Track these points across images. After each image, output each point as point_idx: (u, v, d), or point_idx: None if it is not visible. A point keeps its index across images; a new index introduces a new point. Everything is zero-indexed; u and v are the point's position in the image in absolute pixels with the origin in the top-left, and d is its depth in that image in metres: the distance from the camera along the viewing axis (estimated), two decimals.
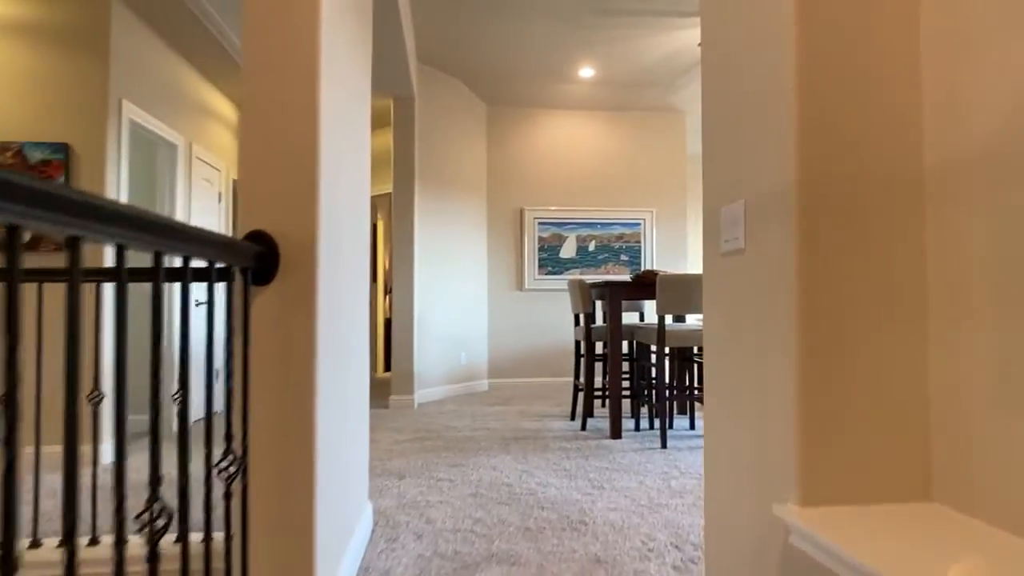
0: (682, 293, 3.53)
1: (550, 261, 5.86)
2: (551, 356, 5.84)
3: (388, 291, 6.81)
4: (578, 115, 5.97)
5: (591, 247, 5.93)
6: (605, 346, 4.06)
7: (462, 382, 5.49)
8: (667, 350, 4.08)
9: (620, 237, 5.99)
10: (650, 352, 4.19)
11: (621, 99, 5.76)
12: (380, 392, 5.57)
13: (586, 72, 5.19)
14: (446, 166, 5.33)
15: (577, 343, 4.33)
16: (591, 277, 5.90)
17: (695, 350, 4.02)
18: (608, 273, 5.94)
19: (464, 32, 4.55)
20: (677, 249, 6.03)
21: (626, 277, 5.93)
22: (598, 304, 5.68)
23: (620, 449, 3.44)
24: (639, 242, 6.01)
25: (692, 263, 6.63)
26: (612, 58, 4.94)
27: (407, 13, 4.03)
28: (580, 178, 5.94)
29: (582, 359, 4.31)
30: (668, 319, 4.69)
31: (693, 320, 5.77)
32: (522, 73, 5.23)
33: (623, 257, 5.99)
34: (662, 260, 6.01)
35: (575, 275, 5.89)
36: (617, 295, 3.78)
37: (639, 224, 6.02)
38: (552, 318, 5.85)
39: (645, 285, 3.79)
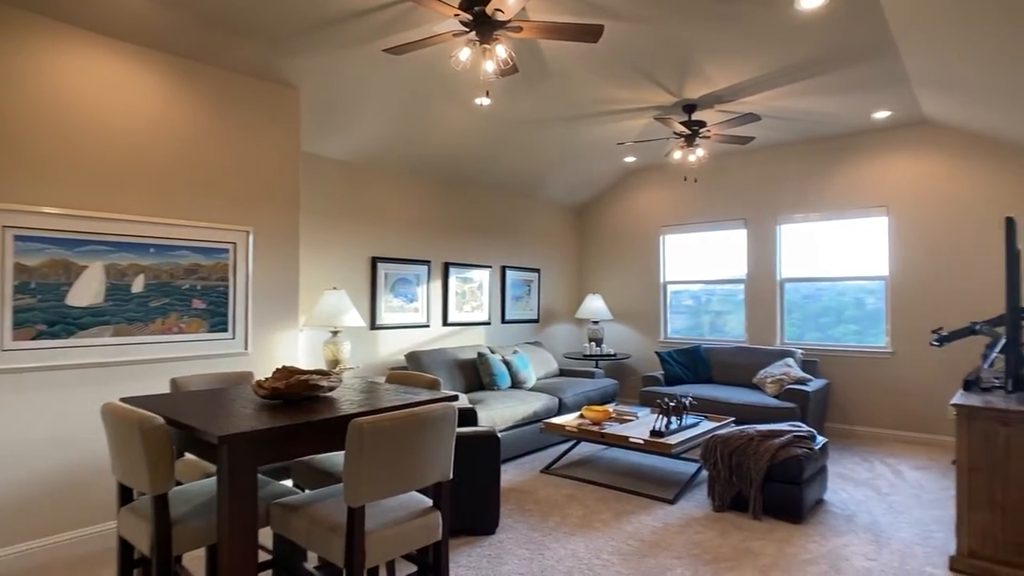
0: (405, 453, 1.74)
1: (47, 313, 3.02)
2: (46, 496, 3.01)
3: None
4: (125, 51, 3.29)
5: (136, 286, 3.35)
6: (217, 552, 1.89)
7: None
8: None
9: (193, 271, 3.60)
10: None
11: (203, 44, 3.40)
12: None
13: None
14: None
15: (126, 546, 1.96)
16: (133, 344, 3.33)
17: None
18: (170, 331, 3.47)
19: None
20: (286, 290, 4.01)
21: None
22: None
23: None
24: (226, 280, 3.74)
25: (314, 309, 4.57)
26: None
27: None
28: (118, 160, 3.29)
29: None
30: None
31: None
32: None
33: (198, 305, 3.61)
34: (264, 310, 3.90)
35: (105, 338, 3.21)
36: (245, 456, 1.69)
37: (226, 251, 3.75)
38: (51, 420, 3.03)
39: (311, 427, 1.82)
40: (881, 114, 4.96)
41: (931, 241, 5.24)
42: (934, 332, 3.89)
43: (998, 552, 2.73)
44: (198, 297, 3.62)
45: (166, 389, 3.46)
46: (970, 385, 3.25)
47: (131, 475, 1.82)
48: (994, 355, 3.51)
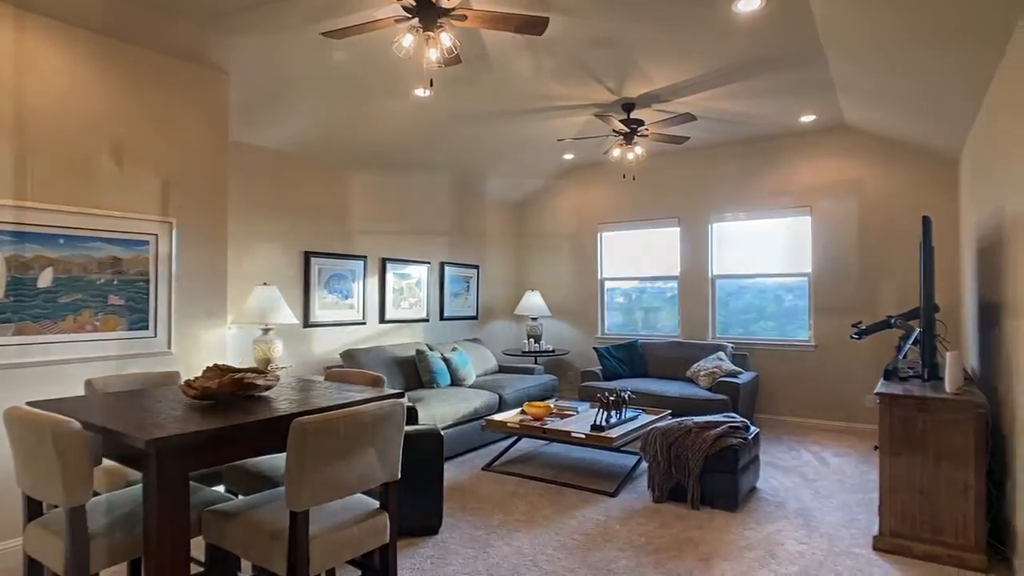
0: (351, 453, 1.65)
1: None
2: None
3: None
4: (34, 24, 2.98)
5: (43, 280, 3.06)
6: None
7: None
8: None
9: (109, 264, 3.32)
10: None
11: (124, 21, 3.14)
12: None
13: None
14: None
15: (34, 565, 1.76)
16: (40, 344, 3.04)
17: None
18: (83, 329, 3.19)
19: None
20: (213, 285, 3.78)
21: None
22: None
23: None
24: (146, 274, 3.48)
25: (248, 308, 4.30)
26: None
27: None
28: (23, 142, 2.99)
29: None
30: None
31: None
32: None
33: (116, 301, 3.34)
34: (189, 307, 3.65)
35: (6, 337, 2.91)
36: (177, 462, 1.56)
37: (147, 243, 3.49)
38: None
39: (249, 429, 1.70)
40: (807, 118, 5.21)
41: (850, 239, 5.57)
42: (854, 326, 4.13)
43: (916, 530, 2.91)
44: (115, 293, 3.35)
45: (80, 392, 3.18)
46: (890, 375, 3.46)
47: (42, 487, 1.64)
48: (907, 347, 3.75)
